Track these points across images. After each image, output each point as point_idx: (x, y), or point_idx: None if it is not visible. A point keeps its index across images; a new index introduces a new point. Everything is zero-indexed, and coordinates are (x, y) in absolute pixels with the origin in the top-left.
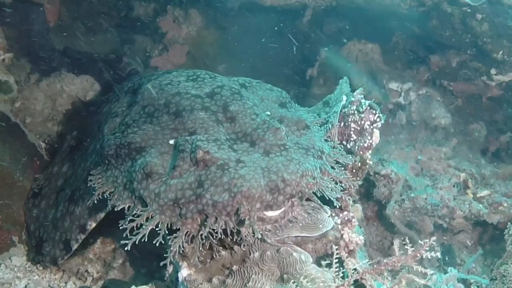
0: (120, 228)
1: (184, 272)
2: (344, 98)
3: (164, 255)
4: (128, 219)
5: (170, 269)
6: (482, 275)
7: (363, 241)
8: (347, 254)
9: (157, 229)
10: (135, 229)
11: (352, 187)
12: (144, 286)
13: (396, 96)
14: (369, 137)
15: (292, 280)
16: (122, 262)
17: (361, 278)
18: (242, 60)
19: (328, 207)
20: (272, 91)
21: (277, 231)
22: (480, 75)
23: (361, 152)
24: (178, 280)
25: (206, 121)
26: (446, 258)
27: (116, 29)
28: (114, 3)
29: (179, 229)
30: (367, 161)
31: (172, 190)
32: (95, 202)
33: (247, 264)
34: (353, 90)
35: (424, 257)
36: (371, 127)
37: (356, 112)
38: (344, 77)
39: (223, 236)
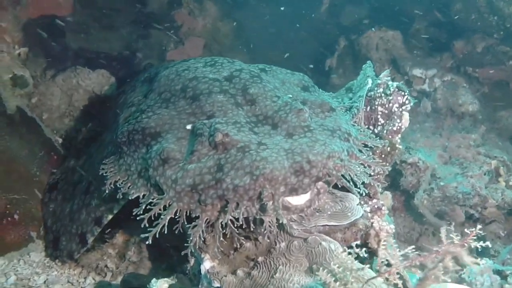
0: (136, 218)
1: (207, 265)
2: (370, 81)
3: (185, 245)
4: (143, 208)
5: (191, 261)
6: None
7: (393, 230)
8: (384, 244)
9: (176, 217)
10: (153, 219)
11: (382, 172)
12: (166, 279)
13: (420, 83)
14: (398, 120)
15: (322, 268)
16: (142, 257)
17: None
18: (258, 52)
19: (356, 195)
20: (294, 75)
21: (303, 222)
22: (508, 59)
23: (390, 136)
24: (200, 273)
25: (225, 104)
26: (479, 249)
27: (131, 24)
28: None
29: (198, 217)
30: (397, 146)
31: (190, 175)
32: (107, 191)
33: (273, 255)
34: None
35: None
36: (400, 109)
37: (383, 94)
38: (368, 61)
39: (244, 225)
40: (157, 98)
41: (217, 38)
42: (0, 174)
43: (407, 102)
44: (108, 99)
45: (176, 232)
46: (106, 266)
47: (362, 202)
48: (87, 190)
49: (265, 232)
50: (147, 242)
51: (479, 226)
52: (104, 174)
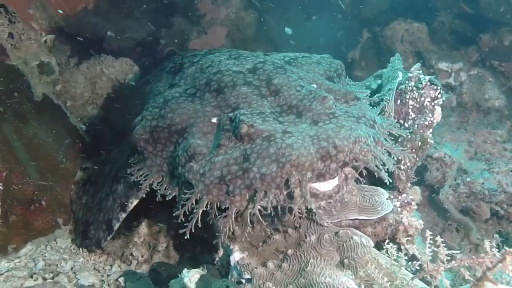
0: (174, 215)
1: (236, 256)
2: (400, 74)
3: (216, 234)
4: (180, 208)
5: (220, 252)
6: None
7: (422, 226)
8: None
9: (207, 209)
10: (187, 213)
11: (413, 164)
12: (197, 269)
13: (446, 77)
14: (430, 115)
15: (359, 268)
16: (167, 246)
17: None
18: (281, 42)
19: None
20: (320, 64)
21: (332, 209)
22: None
23: (421, 131)
24: (230, 264)
25: (249, 95)
26: (505, 247)
27: (153, 13)
28: None
29: (227, 208)
30: (428, 140)
31: (217, 167)
32: (143, 195)
33: (303, 248)
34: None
35: (480, 244)
36: (432, 103)
37: (414, 88)
38: (396, 54)
39: (273, 213)
40: (182, 93)
41: (240, 27)
42: (28, 161)
43: (439, 96)
44: (132, 87)
45: (210, 223)
46: (131, 254)
47: (391, 197)
48: (115, 177)
49: (294, 219)
50: (185, 237)
51: None
52: (135, 180)
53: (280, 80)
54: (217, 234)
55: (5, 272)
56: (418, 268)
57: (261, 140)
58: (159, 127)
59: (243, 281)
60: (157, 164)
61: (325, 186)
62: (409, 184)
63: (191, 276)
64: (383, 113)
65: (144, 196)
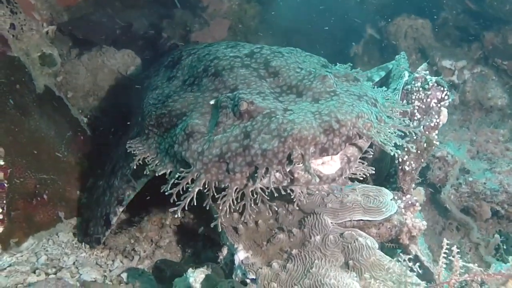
0: (164, 203)
1: (241, 255)
2: (406, 74)
3: (214, 216)
4: (170, 184)
5: (224, 251)
6: None
7: (425, 227)
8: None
9: (204, 190)
10: (181, 193)
11: (417, 165)
12: (202, 269)
13: (449, 75)
14: (436, 116)
15: (363, 270)
16: (169, 242)
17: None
18: (283, 36)
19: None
20: (313, 57)
21: (335, 193)
22: None
23: (427, 132)
24: (234, 263)
25: (248, 76)
26: (505, 247)
27: (154, 3)
28: None
29: (226, 188)
30: (434, 142)
31: (216, 145)
32: (134, 167)
33: (308, 248)
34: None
35: (480, 243)
36: (439, 105)
37: (421, 89)
38: (401, 52)
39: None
40: (181, 85)
41: (243, 20)
42: (30, 154)
43: (446, 97)
44: (134, 80)
45: (207, 208)
46: (133, 249)
47: (395, 198)
48: (112, 171)
49: (295, 201)
50: (176, 216)
51: None
52: (132, 152)
53: (278, 62)
54: (215, 215)
55: (8, 267)
56: (418, 268)
57: (262, 117)
58: (162, 114)
59: (248, 281)
60: (156, 142)
61: (328, 169)
62: (413, 185)
63: (197, 276)
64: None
65: (140, 189)
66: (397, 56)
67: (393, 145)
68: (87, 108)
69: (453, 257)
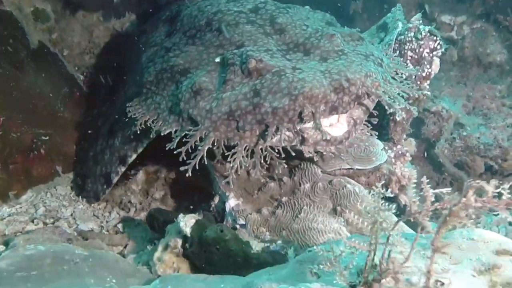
0: (161, 155)
1: (231, 202)
2: (400, 24)
3: (213, 177)
4: (175, 142)
5: (216, 199)
6: None
7: (415, 176)
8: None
9: (214, 148)
10: (190, 152)
11: (408, 116)
12: (192, 214)
13: (448, 30)
14: (428, 66)
15: (348, 210)
16: (165, 194)
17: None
18: None
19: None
20: (316, 12)
21: (341, 155)
22: None
23: (419, 82)
24: (225, 210)
25: (254, 33)
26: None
27: None
28: None
29: (235, 146)
30: (425, 92)
31: (226, 103)
32: (138, 132)
33: (297, 195)
34: None
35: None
36: (431, 55)
37: (414, 39)
38: (397, 5)
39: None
40: (182, 37)
41: None
42: (27, 110)
43: (438, 47)
44: (129, 36)
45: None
46: (129, 201)
47: (386, 148)
48: (110, 131)
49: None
50: (187, 175)
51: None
52: (133, 116)
53: (284, 19)
54: (214, 175)
55: (7, 216)
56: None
57: (271, 75)
58: (163, 69)
59: (238, 226)
60: (155, 102)
61: (336, 131)
62: (404, 136)
63: (187, 220)
64: None
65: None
66: (393, 9)
67: (398, 105)
68: (83, 66)
69: (423, 188)
